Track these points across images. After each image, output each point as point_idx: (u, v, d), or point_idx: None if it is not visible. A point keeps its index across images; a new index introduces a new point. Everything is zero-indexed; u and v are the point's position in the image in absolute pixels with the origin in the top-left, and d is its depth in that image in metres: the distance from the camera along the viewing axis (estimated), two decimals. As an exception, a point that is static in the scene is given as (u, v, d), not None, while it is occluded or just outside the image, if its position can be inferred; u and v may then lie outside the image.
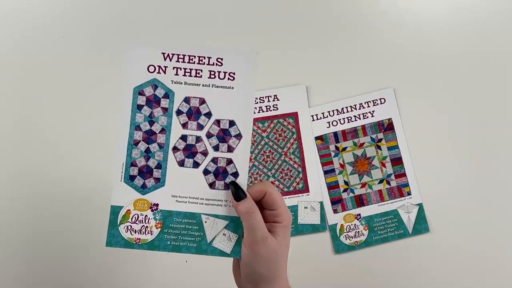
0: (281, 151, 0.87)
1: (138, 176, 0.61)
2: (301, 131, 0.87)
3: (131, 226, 0.61)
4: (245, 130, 0.62)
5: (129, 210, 0.61)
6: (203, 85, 0.62)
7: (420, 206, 0.85)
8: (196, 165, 0.62)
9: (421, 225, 0.85)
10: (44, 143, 0.86)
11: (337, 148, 0.87)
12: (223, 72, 0.62)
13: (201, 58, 0.62)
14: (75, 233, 0.84)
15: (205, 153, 0.62)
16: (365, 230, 0.86)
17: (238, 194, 0.56)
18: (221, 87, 0.62)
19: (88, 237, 0.83)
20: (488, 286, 0.84)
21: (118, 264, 0.84)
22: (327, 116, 0.87)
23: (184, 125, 0.62)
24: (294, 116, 0.87)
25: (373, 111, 0.87)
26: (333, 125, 0.87)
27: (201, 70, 0.62)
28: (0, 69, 0.87)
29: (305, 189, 0.86)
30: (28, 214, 0.84)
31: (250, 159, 0.87)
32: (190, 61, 0.62)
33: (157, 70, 0.62)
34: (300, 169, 0.87)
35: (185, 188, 0.61)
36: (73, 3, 0.88)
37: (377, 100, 0.87)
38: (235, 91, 0.62)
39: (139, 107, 0.61)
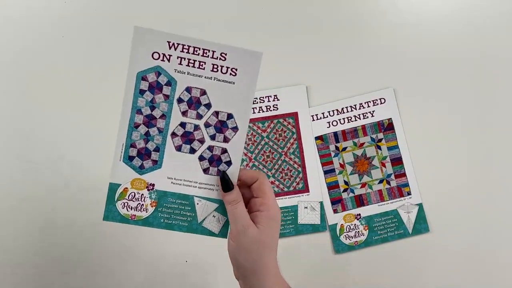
0: (281, 151, 0.87)
1: (136, 157, 0.64)
2: (301, 131, 0.87)
3: (127, 203, 0.65)
4: (242, 124, 0.64)
5: (126, 188, 0.65)
6: (205, 77, 0.64)
7: (420, 206, 0.85)
8: (192, 151, 0.65)
9: (421, 225, 0.85)
10: (44, 139, 0.86)
11: (337, 148, 0.87)
12: (226, 67, 0.64)
13: (205, 51, 0.64)
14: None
15: (202, 141, 0.65)
16: (365, 230, 0.86)
17: (226, 185, 0.60)
18: (223, 81, 0.64)
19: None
20: (488, 286, 0.84)
21: (118, 264, 0.84)
22: (327, 116, 0.87)
23: (184, 113, 0.65)
24: (294, 116, 0.87)
25: (373, 111, 0.87)
26: (333, 125, 0.87)
27: (205, 63, 0.64)
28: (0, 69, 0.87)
29: (305, 189, 0.86)
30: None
31: (250, 159, 0.87)
32: (195, 52, 0.64)
33: (161, 58, 0.64)
34: (300, 169, 0.87)
35: (180, 172, 0.65)
36: (74, 3, 0.88)
37: (377, 100, 0.87)
38: (236, 86, 0.64)
39: (142, 92, 0.64)
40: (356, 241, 0.85)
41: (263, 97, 0.87)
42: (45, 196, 0.85)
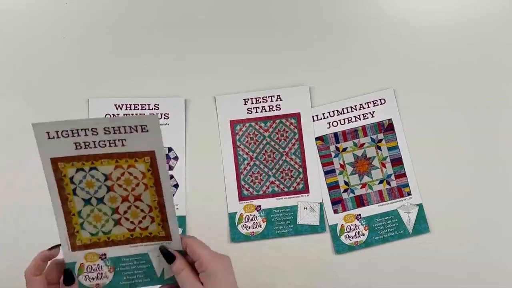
0: (282, 151, 0.87)
1: None
2: (303, 132, 0.87)
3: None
4: (180, 153, 0.84)
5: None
6: None
7: (420, 206, 0.86)
8: None
9: (421, 225, 0.85)
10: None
11: (337, 148, 0.87)
12: (160, 113, 0.85)
13: (143, 105, 0.85)
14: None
15: None
16: (365, 230, 0.86)
17: (168, 256, 0.61)
18: (160, 124, 0.80)
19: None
20: (489, 286, 0.84)
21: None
22: (327, 117, 0.88)
23: None
24: (297, 116, 0.87)
25: (373, 112, 0.87)
26: (334, 126, 0.88)
27: (144, 114, 0.84)
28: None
29: (305, 190, 0.86)
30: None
31: (252, 159, 0.87)
32: (135, 108, 0.84)
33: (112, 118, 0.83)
34: (300, 169, 0.87)
35: None
36: (75, 4, 0.88)
37: (377, 100, 0.88)
38: (170, 126, 0.84)
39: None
40: (357, 241, 0.86)
41: (266, 97, 0.87)
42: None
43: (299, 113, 0.87)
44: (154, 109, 0.85)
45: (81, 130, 0.56)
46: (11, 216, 0.84)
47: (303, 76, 0.88)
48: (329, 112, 0.88)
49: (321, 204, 0.86)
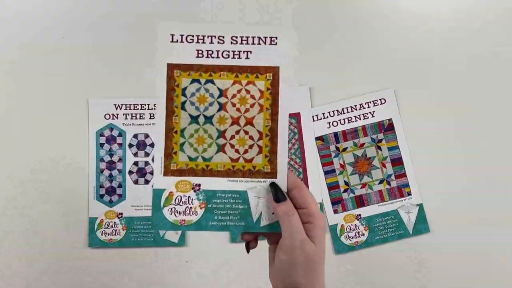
0: (282, 151, 0.87)
1: (105, 195, 0.85)
2: (303, 132, 0.87)
3: (104, 231, 0.84)
4: None
5: (102, 219, 0.84)
6: (146, 124, 0.85)
7: (420, 206, 0.86)
8: (146, 182, 0.85)
9: (421, 225, 0.85)
10: (43, 141, 0.86)
11: (337, 148, 0.87)
12: None
13: (142, 105, 0.85)
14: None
15: (152, 173, 0.84)
16: (366, 230, 0.86)
17: (277, 196, 0.54)
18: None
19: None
20: (488, 286, 0.84)
21: (113, 266, 0.84)
22: (327, 117, 0.88)
23: (135, 154, 0.86)
24: (297, 116, 0.87)
25: (373, 112, 0.87)
26: (334, 126, 0.87)
27: (144, 114, 0.85)
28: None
29: (305, 190, 0.86)
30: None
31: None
32: (135, 108, 0.85)
33: (111, 117, 0.85)
34: (301, 169, 0.87)
35: (140, 200, 0.84)
36: (74, 4, 0.88)
37: (377, 100, 0.88)
38: None
39: (101, 145, 0.85)
40: (357, 242, 0.86)
41: (266, 97, 0.87)
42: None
43: (299, 113, 0.87)
44: (154, 109, 0.85)
45: (208, 36, 0.53)
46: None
47: (303, 76, 0.88)
48: (329, 112, 0.88)
49: (321, 204, 0.86)
